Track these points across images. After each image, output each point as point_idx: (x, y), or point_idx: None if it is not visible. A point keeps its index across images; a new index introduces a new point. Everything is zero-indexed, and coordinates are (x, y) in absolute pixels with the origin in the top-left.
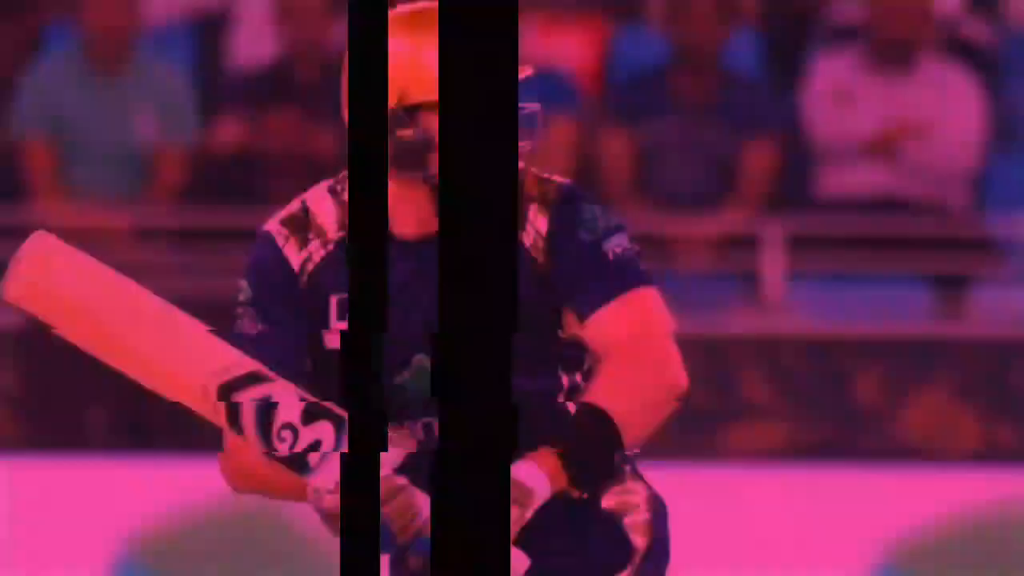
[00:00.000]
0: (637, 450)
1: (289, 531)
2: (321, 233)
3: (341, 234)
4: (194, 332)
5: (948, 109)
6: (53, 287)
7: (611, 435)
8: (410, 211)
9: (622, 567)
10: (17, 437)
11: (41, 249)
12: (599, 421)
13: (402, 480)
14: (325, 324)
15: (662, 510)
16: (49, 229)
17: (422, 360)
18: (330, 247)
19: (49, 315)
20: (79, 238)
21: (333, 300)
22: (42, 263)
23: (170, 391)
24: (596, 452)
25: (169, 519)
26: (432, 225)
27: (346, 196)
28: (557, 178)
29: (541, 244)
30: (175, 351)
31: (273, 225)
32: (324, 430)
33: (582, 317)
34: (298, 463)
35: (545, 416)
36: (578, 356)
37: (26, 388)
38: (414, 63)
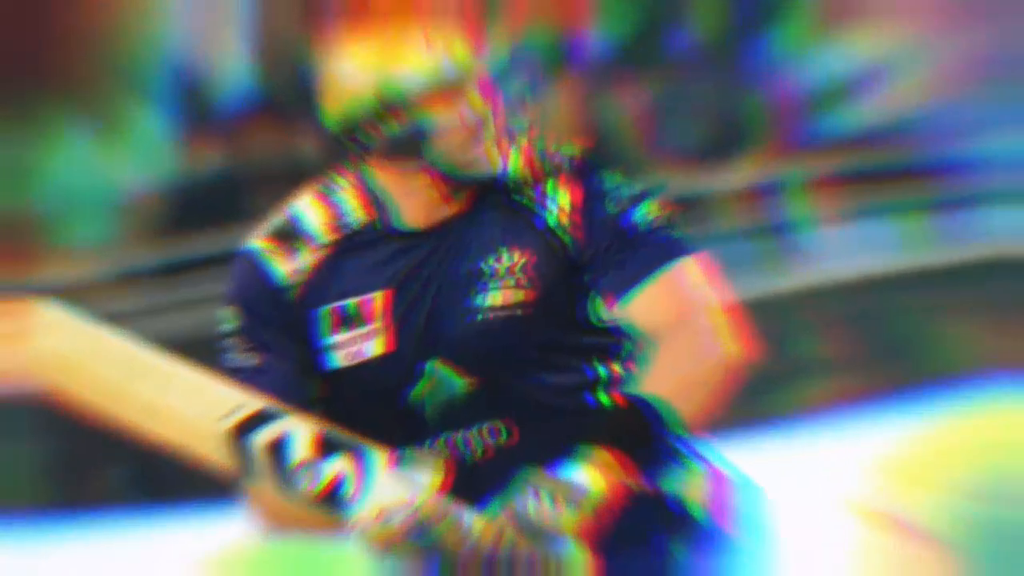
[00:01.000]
0: (697, 430)
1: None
2: (310, 239)
3: (334, 237)
4: (196, 381)
5: (916, 51)
6: (62, 357)
7: (661, 422)
8: (417, 201)
9: (687, 546)
10: (48, 502)
11: (46, 321)
12: (647, 410)
13: (445, 499)
14: (321, 337)
15: (728, 487)
16: (43, 290)
17: (437, 368)
18: (322, 253)
19: (60, 383)
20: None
21: (329, 310)
22: (47, 335)
23: (190, 445)
24: (648, 441)
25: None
26: (442, 211)
27: (335, 197)
28: (569, 147)
29: (572, 219)
30: (182, 403)
31: (254, 241)
32: (344, 463)
33: (618, 299)
34: (332, 502)
35: (584, 410)
36: (615, 344)
37: (55, 453)
38: (393, 55)
